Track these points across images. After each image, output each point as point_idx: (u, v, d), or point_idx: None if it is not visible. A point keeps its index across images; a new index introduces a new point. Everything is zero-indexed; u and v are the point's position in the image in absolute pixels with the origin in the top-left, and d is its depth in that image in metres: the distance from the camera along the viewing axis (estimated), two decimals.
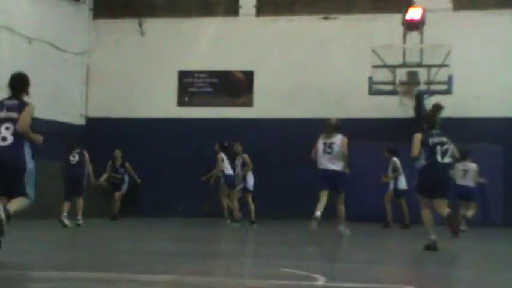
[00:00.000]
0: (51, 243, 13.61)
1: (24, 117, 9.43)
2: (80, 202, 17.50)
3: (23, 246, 12.78)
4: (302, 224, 18.59)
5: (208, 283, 7.96)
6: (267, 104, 24.29)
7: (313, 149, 14.17)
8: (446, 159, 11.86)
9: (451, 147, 11.94)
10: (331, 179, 13.88)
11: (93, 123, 24.86)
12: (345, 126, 20.77)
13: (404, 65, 21.50)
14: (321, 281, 7.68)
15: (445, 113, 22.40)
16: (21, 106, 9.56)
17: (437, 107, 12.33)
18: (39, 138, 9.53)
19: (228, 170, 19.33)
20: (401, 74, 21.32)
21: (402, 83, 21.19)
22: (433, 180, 11.74)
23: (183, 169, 22.93)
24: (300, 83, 23.95)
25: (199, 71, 24.84)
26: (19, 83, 9.85)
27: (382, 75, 21.37)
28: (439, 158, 11.73)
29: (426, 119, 12.36)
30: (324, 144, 14.09)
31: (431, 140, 11.78)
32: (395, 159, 19.79)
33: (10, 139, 9.33)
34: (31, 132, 9.46)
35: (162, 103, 24.81)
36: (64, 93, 24.20)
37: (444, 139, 11.92)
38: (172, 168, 21.24)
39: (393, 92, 21.41)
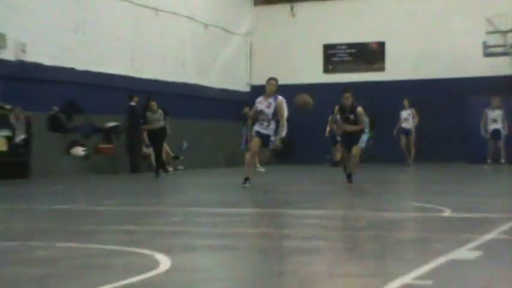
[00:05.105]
0: (223, 187, 13.83)
1: None
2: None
3: (200, 189, 13.08)
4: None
5: (353, 216, 8.00)
6: (396, 68, 23.84)
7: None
8: None
9: None
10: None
11: (256, 90, 24.98)
12: (464, 84, 20.64)
13: None
14: (447, 212, 7.55)
15: None
16: None
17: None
18: None
19: None
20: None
21: None
22: None
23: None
24: (424, 49, 23.30)
25: (340, 43, 24.71)
26: None
27: (495, 40, 20.64)
28: None
29: None
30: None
31: None
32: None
33: None
34: None
35: (310, 71, 24.74)
36: (233, 67, 24.50)
37: None
38: (320, 124, 21.07)
39: (505, 54, 20.71)
